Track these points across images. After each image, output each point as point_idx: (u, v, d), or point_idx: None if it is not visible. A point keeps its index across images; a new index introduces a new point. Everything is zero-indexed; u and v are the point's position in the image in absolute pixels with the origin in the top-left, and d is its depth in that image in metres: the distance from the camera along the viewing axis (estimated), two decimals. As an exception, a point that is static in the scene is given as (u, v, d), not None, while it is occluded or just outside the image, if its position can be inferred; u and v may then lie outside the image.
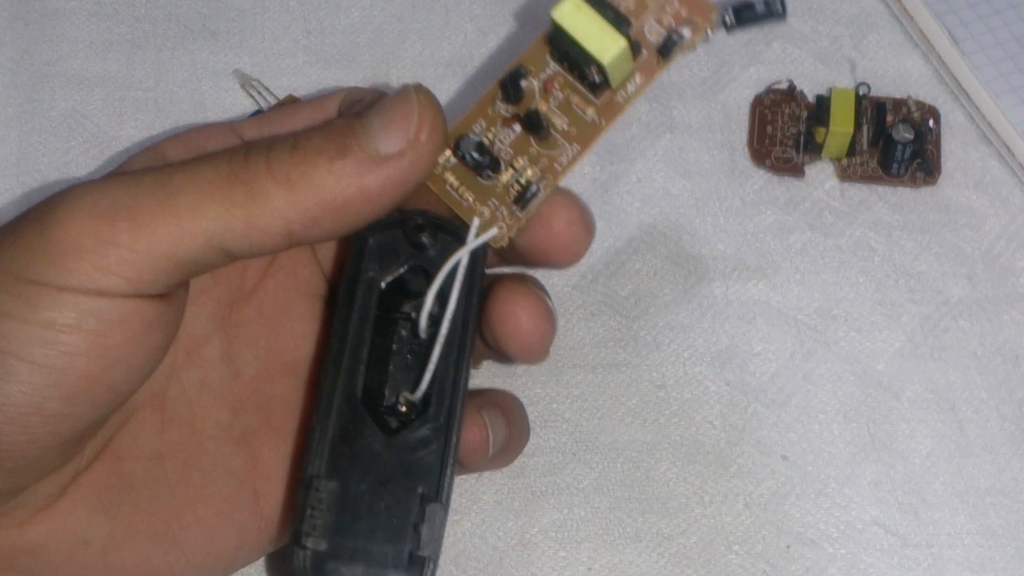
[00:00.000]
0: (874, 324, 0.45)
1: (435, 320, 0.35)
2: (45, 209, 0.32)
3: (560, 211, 0.36)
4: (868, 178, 0.48)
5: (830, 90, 0.48)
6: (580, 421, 0.44)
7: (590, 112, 0.35)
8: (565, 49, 0.34)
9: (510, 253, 0.37)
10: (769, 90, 0.50)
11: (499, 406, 0.38)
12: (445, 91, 0.50)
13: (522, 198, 0.35)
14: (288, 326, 0.39)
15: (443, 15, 0.52)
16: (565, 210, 0.36)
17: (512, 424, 0.39)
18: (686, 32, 0.34)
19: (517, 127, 0.36)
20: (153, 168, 0.33)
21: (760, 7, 0.34)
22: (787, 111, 0.49)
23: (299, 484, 0.34)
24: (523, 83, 0.35)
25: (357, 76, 0.51)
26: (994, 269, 0.46)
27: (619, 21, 0.34)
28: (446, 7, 0.52)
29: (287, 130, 0.36)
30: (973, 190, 0.48)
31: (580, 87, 0.35)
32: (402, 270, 0.36)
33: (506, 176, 0.35)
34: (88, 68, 0.51)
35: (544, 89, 0.35)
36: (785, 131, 0.49)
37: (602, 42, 0.33)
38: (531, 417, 0.44)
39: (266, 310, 0.39)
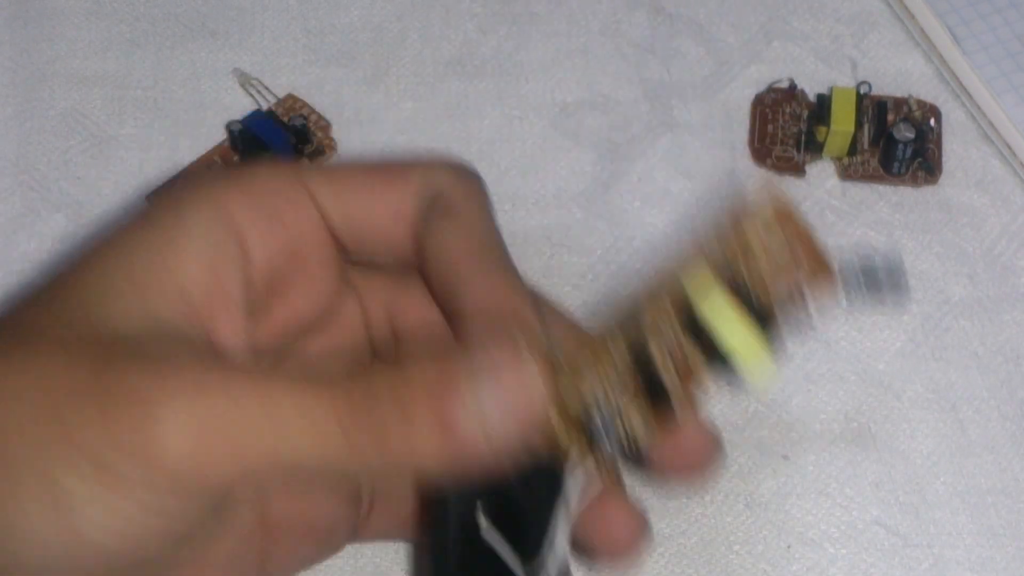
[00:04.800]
0: (875, 324, 0.45)
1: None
2: (143, 397, 0.29)
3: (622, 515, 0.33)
4: (869, 177, 0.48)
5: (831, 89, 0.48)
6: (580, 421, 0.44)
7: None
8: (700, 334, 0.30)
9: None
10: (770, 89, 0.50)
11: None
12: (445, 91, 0.50)
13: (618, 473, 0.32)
14: None
15: (443, 14, 0.52)
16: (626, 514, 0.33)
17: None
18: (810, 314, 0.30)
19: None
20: (255, 378, 0.30)
21: (883, 277, 0.30)
22: (788, 110, 0.49)
23: None
24: (652, 352, 0.30)
25: (357, 75, 0.51)
26: (995, 268, 0.46)
27: (763, 319, 0.29)
28: (446, 6, 0.52)
29: (363, 195, 0.34)
30: (974, 189, 0.48)
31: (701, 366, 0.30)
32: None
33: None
34: (87, 67, 0.51)
35: (678, 374, 0.30)
36: (786, 130, 0.49)
37: (749, 352, 0.29)
38: (531, 417, 0.44)
39: None
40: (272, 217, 0.33)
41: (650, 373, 0.30)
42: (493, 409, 0.29)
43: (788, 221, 0.29)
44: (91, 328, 0.31)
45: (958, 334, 0.45)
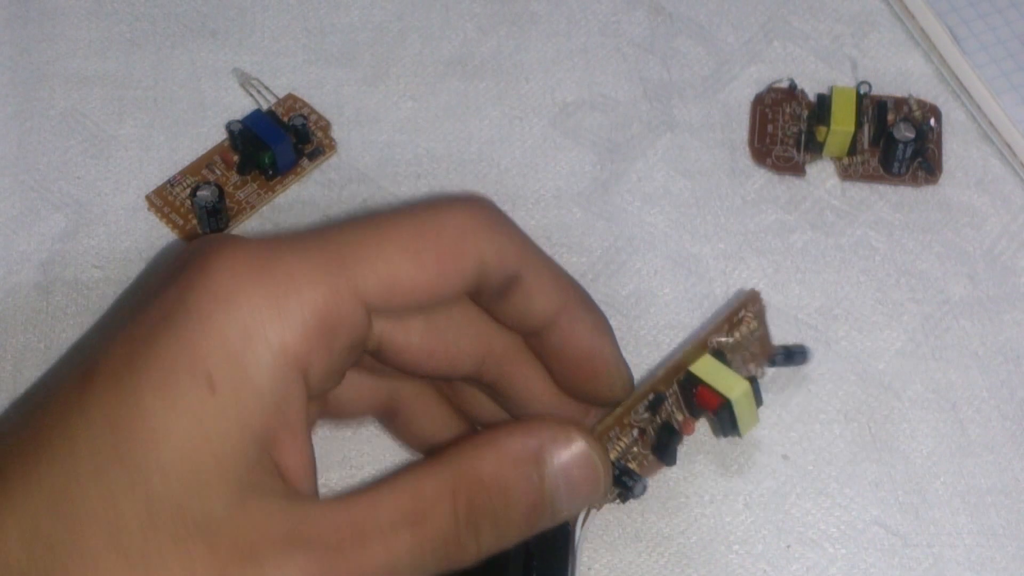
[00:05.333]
0: (875, 323, 0.45)
1: None
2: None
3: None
4: (869, 177, 0.48)
5: (831, 89, 0.48)
6: (580, 421, 0.44)
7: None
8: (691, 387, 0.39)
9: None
10: (770, 89, 0.50)
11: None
12: (445, 91, 0.50)
13: (623, 495, 0.38)
14: None
15: (443, 14, 0.52)
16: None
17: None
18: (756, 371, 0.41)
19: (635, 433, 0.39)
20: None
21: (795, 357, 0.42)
22: (788, 110, 0.49)
23: None
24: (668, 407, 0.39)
25: (357, 75, 0.51)
26: (995, 268, 0.46)
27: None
28: (446, 6, 0.52)
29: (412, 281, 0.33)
30: (974, 189, 0.48)
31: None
32: None
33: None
34: (87, 67, 0.51)
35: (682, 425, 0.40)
36: (786, 130, 0.49)
37: (729, 383, 0.39)
38: (531, 417, 0.44)
39: None
40: (330, 338, 0.32)
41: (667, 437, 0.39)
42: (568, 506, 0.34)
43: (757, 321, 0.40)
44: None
45: (958, 334, 0.45)
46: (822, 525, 0.42)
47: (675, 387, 0.39)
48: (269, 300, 0.31)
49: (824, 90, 0.49)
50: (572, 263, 0.46)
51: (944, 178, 0.48)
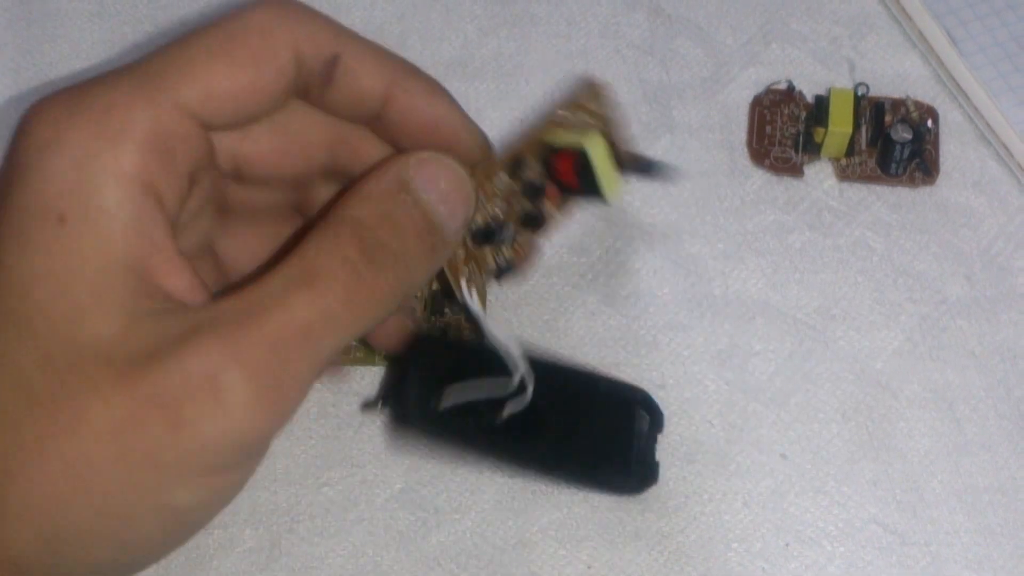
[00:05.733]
0: (873, 323, 0.46)
1: None
2: None
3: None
4: (867, 178, 0.48)
5: (829, 90, 0.48)
6: (580, 420, 0.44)
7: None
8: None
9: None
10: (768, 90, 0.50)
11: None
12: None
13: (500, 272, 0.40)
14: None
15: (443, 15, 0.52)
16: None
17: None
18: None
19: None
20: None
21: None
22: (786, 111, 0.49)
23: None
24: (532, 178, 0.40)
25: (358, 76, 0.51)
26: (992, 269, 0.46)
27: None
28: (446, 7, 0.52)
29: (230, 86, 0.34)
30: (971, 190, 0.48)
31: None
32: None
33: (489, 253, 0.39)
34: (90, 69, 0.51)
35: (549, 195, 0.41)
36: (784, 131, 0.49)
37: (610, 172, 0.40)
38: (531, 416, 0.44)
39: None
40: (168, 157, 0.33)
41: (530, 214, 0.40)
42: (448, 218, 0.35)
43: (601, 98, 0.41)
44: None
45: (955, 334, 0.45)
46: (820, 523, 0.42)
47: (534, 163, 0.40)
48: (94, 130, 0.32)
49: (822, 91, 0.49)
50: (572, 263, 0.47)
51: (941, 179, 0.48)
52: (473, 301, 0.38)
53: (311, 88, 0.35)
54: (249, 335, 0.31)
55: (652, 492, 0.42)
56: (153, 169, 0.32)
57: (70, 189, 0.31)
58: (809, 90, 0.50)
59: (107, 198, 0.31)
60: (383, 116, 0.37)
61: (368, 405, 0.43)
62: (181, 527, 0.34)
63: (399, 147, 0.38)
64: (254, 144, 0.36)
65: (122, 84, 0.33)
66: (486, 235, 0.39)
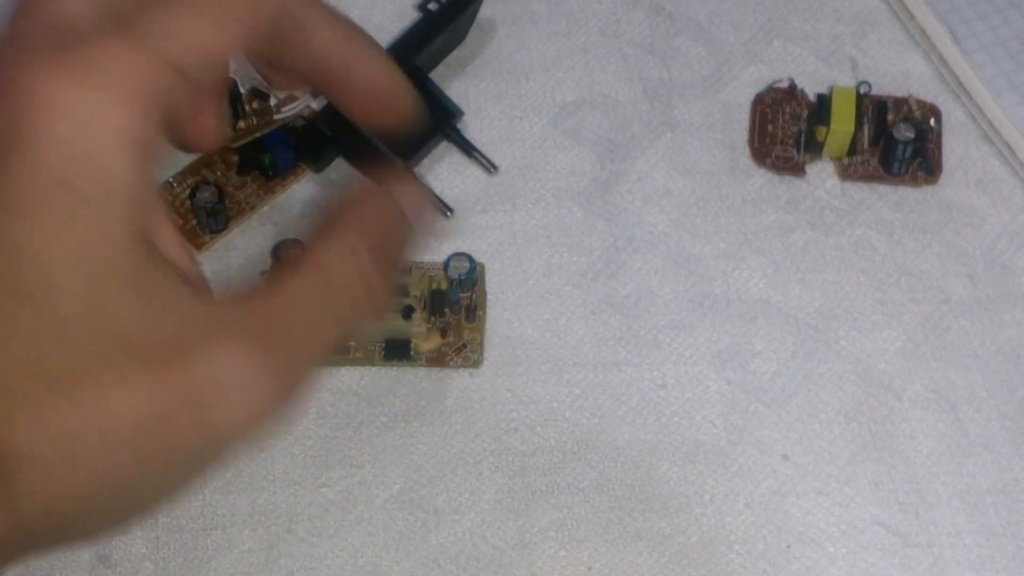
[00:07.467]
0: (875, 323, 0.45)
1: None
2: None
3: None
4: (869, 177, 0.48)
5: (831, 89, 0.48)
6: (580, 420, 0.44)
7: None
8: None
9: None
10: (770, 89, 0.50)
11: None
12: (446, 90, 0.50)
13: None
14: None
15: (443, 14, 0.52)
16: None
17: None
18: None
19: None
20: None
21: None
22: (788, 110, 0.49)
23: None
24: None
25: (357, 75, 0.51)
26: (995, 268, 0.46)
27: None
28: (446, 6, 0.52)
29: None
30: (974, 189, 0.48)
31: None
32: None
33: None
34: (88, 67, 0.51)
35: None
36: (786, 130, 0.49)
37: None
38: (532, 416, 0.44)
39: None
40: (156, 112, 0.32)
41: None
42: None
43: None
44: None
45: (958, 334, 0.45)
46: (822, 525, 0.42)
47: None
48: (91, 89, 0.31)
49: (824, 90, 0.49)
50: (572, 263, 0.46)
51: (944, 178, 0.48)
52: None
53: (275, 46, 0.36)
54: (276, 343, 0.31)
55: (652, 492, 0.42)
56: (147, 126, 0.31)
57: (79, 155, 0.31)
58: (811, 88, 0.49)
59: (117, 165, 0.31)
60: (341, 82, 0.37)
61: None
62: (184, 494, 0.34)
63: (345, 108, 0.38)
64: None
65: (111, 40, 0.32)
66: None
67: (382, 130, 0.38)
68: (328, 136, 0.47)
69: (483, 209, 0.48)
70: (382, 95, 0.37)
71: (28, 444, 0.30)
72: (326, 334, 0.33)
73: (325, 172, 0.48)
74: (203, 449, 0.31)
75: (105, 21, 0.33)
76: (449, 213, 0.47)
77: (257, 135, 0.47)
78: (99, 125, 0.31)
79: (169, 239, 0.34)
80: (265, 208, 0.48)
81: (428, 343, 0.44)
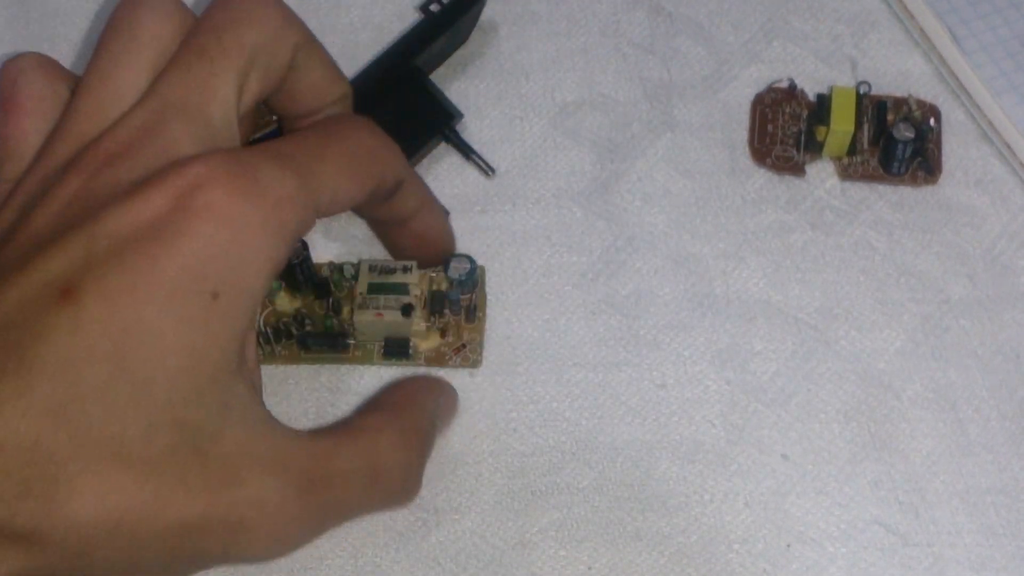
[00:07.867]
0: (875, 323, 0.45)
1: None
2: None
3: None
4: (869, 177, 0.48)
5: (831, 89, 0.48)
6: (580, 420, 0.44)
7: None
8: None
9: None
10: (770, 89, 0.50)
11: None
12: (445, 90, 0.50)
13: None
14: None
15: (443, 14, 0.52)
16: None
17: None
18: None
19: None
20: None
21: None
22: (788, 110, 0.49)
23: None
24: None
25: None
26: (995, 268, 0.46)
27: None
28: (446, 6, 0.52)
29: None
30: (974, 189, 0.48)
31: None
32: None
33: None
34: (88, 67, 0.51)
35: None
36: (786, 130, 0.49)
37: None
38: (532, 416, 0.44)
39: None
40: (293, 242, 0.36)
41: None
42: None
43: None
44: None
45: (958, 334, 0.45)
46: (822, 524, 0.42)
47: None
48: (258, 210, 0.33)
49: (824, 90, 0.49)
50: (572, 263, 0.47)
51: (944, 178, 0.48)
52: None
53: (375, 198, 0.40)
54: (318, 492, 0.35)
55: (652, 492, 0.42)
56: (286, 254, 0.35)
57: (231, 270, 0.33)
58: (811, 88, 0.49)
59: (252, 280, 0.33)
60: (406, 225, 0.43)
61: None
62: None
63: (402, 243, 0.44)
64: None
65: (283, 174, 0.34)
66: None
67: (422, 260, 0.43)
68: None
69: (483, 209, 0.48)
70: (437, 243, 0.44)
71: (83, 510, 0.31)
72: (360, 505, 0.38)
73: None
74: (218, 562, 0.34)
75: (268, 151, 0.35)
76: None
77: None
78: (255, 248, 0.33)
79: (252, 354, 0.36)
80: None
81: (427, 342, 0.44)
